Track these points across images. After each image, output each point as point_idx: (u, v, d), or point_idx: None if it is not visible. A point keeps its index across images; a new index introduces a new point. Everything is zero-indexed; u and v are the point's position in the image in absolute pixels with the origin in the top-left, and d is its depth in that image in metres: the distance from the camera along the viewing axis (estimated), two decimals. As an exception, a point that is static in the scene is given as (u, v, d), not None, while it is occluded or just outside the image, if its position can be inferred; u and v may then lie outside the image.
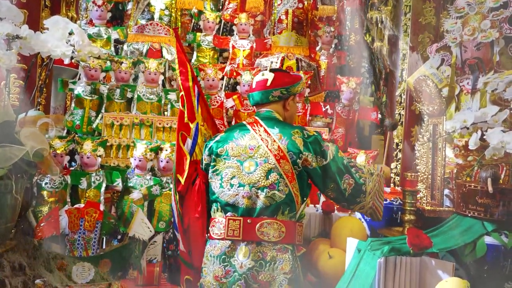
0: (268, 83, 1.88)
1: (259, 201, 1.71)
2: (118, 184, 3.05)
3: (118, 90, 3.49)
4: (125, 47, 3.98)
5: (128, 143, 3.26)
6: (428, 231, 1.56)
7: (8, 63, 1.93)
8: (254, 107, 1.97)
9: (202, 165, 1.92)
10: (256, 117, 1.89)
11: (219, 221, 1.74)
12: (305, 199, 1.79)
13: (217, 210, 1.78)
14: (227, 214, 1.74)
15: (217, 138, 1.89)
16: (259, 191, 1.71)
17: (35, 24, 2.93)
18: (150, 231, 2.69)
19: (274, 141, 1.75)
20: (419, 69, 2.77)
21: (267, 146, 1.75)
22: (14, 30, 1.96)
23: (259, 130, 1.81)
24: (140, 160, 3.00)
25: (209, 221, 1.83)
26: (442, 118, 2.48)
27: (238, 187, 1.74)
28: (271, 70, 1.96)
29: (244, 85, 3.64)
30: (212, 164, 1.83)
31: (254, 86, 1.94)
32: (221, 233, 1.73)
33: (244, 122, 1.91)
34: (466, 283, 1.14)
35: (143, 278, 2.66)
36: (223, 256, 1.71)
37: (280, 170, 1.72)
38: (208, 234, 1.81)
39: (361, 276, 1.39)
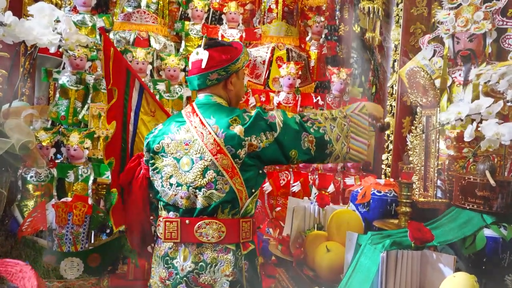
0: (203, 64, 1.65)
1: (198, 202, 1.58)
2: (107, 177, 2.99)
3: (104, 80, 3.40)
4: (111, 35, 3.86)
5: (116, 135, 3.18)
6: (427, 225, 1.55)
7: (-9, 51, 1.84)
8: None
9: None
10: (194, 105, 1.70)
11: (161, 221, 1.66)
12: (253, 191, 1.63)
13: (161, 209, 1.69)
14: (169, 214, 1.64)
15: (155, 132, 1.71)
16: (197, 190, 1.58)
17: (17, 10, 2.81)
18: (141, 224, 2.63)
19: (210, 133, 1.57)
20: (412, 60, 2.75)
21: (202, 140, 1.58)
22: (-3, 17, 1.87)
23: (194, 122, 1.62)
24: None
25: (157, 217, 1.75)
26: (435, 110, 2.48)
27: (176, 187, 1.61)
28: (207, 46, 1.71)
29: (234, 76, 3.59)
30: (151, 162, 1.69)
31: (190, 68, 1.73)
32: (161, 234, 1.65)
33: (182, 112, 1.73)
34: (473, 278, 1.14)
35: (133, 272, 2.62)
36: (166, 258, 1.63)
37: (218, 166, 1.56)
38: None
39: (362, 271, 1.38)
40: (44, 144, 2.89)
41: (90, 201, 2.76)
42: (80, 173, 2.96)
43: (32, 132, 2.27)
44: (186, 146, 1.60)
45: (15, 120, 2.14)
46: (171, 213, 1.64)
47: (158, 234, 1.67)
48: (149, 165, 1.69)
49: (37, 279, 0.76)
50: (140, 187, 1.74)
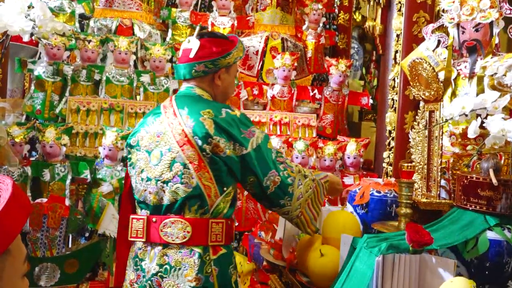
0: (192, 53, 1.64)
1: (165, 197, 1.56)
2: (86, 176, 2.99)
3: (84, 71, 3.40)
4: (91, 23, 3.86)
5: (96, 131, 3.19)
6: (427, 226, 1.57)
7: (-42, 39, 1.83)
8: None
9: None
10: (173, 96, 1.71)
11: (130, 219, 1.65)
12: (225, 189, 1.59)
13: (136, 207, 1.69)
14: (141, 212, 1.64)
15: (136, 126, 1.75)
16: (165, 185, 1.56)
17: (-13, -5, 2.80)
18: (122, 227, 2.64)
19: (179, 123, 1.56)
20: (414, 51, 2.77)
21: (171, 131, 1.57)
22: (-36, 2, 1.86)
23: (168, 112, 1.62)
24: (110, 149, 2.94)
25: None
26: (439, 104, 2.49)
27: (146, 181, 1.60)
28: (200, 35, 1.70)
29: (224, 67, 3.60)
30: (128, 156, 1.70)
31: (180, 55, 1.73)
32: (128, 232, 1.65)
33: (162, 104, 1.72)
34: (472, 283, 1.15)
35: (114, 279, 2.62)
36: (136, 259, 1.62)
37: (184, 158, 1.54)
38: None
39: (356, 276, 1.39)
40: (17, 140, 2.88)
41: (67, 202, 2.76)
42: (56, 171, 2.96)
43: (4, 128, 2.27)
44: (158, 138, 1.60)
45: (-15, 114, 2.13)
46: (143, 211, 1.64)
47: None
48: (128, 160, 1.71)
49: (13, 189, 0.77)
50: (127, 193, 1.75)
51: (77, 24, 3.87)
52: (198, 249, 1.56)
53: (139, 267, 1.60)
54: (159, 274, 1.56)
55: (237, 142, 1.57)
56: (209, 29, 4.04)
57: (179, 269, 1.54)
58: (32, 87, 3.36)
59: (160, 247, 1.57)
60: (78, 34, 3.52)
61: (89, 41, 3.42)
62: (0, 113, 2.27)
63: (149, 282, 1.57)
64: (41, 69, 3.35)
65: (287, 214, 1.67)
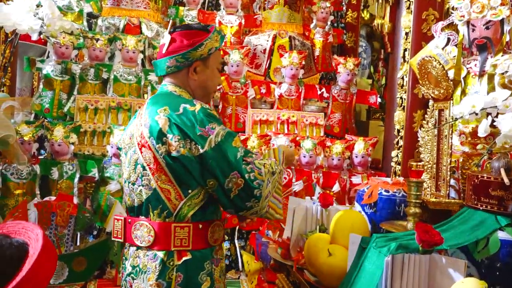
0: (163, 49, 1.59)
1: (135, 199, 1.56)
2: (94, 174, 3.00)
3: (92, 70, 3.41)
4: (99, 21, 3.87)
5: (104, 129, 3.20)
6: (437, 226, 1.55)
7: (-33, 38, 1.84)
8: None
9: None
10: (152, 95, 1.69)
11: None
12: (190, 191, 1.50)
13: None
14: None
15: None
16: (133, 186, 1.55)
17: (-4, -6, 2.82)
18: (130, 226, 2.65)
19: (141, 125, 1.52)
20: (424, 49, 2.74)
21: (135, 133, 1.55)
22: (-27, 1, 1.87)
23: (140, 113, 1.60)
24: (117, 148, 2.94)
25: None
26: (448, 103, 2.47)
27: (125, 183, 1.62)
28: (173, 29, 1.64)
29: (232, 66, 3.59)
30: (121, 158, 1.72)
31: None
32: None
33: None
34: (484, 284, 1.14)
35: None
36: (123, 257, 1.65)
37: (142, 160, 1.50)
38: None
39: (365, 276, 1.38)
40: (26, 138, 2.90)
41: (75, 201, 2.78)
42: (65, 170, 2.97)
43: (13, 126, 2.28)
44: (129, 140, 1.60)
45: (-6, 112, 2.15)
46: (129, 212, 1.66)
47: None
48: None
49: (41, 227, 0.78)
50: None
51: (85, 23, 3.88)
52: (161, 254, 1.51)
53: (124, 264, 1.62)
54: (131, 275, 1.56)
55: (193, 141, 1.46)
56: (216, 27, 4.03)
57: (145, 272, 1.52)
58: (41, 86, 3.37)
59: (134, 248, 1.57)
60: (86, 33, 3.53)
61: (97, 40, 3.43)
62: (9, 111, 2.28)
63: (124, 281, 1.59)
64: (49, 68, 3.36)
65: (255, 214, 1.55)
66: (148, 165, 1.50)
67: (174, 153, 1.46)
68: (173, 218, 1.51)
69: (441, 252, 1.48)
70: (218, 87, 1.75)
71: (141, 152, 1.51)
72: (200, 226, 1.53)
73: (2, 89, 2.81)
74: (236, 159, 1.48)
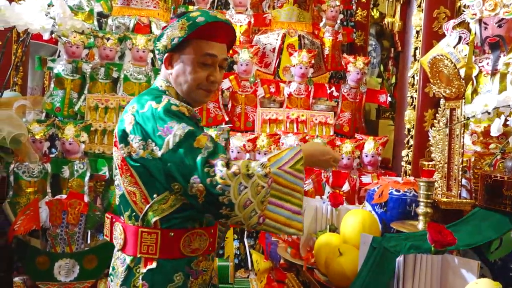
0: None
1: (116, 198, 1.48)
2: (104, 172, 3.01)
3: (102, 69, 3.42)
4: (109, 21, 3.88)
5: (114, 128, 3.19)
6: (449, 226, 1.54)
7: (-20, 37, 1.86)
8: None
9: None
10: None
11: None
12: (155, 196, 1.38)
13: None
14: None
15: None
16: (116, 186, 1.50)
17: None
18: (140, 224, 2.66)
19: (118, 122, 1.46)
20: (435, 47, 2.72)
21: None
22: (-14, 1, 1.88)
23: None
24: None
25: None
26: (460, 102, 2.44)
27: None
28: (171, 18, 1.56)
29: (241, 64, 3.59)
30: None
31: None
32: None
33: None
34: (498, 285, 1.12)
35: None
36: None
37: (115, 161, 1.45)
38: None
39: (377, 275, 1.37)
40: (37, 137, 2.92)
41: (86, 199, 2.79)
42: (75, 168, 2.99)
43: (25, 125, 2.30)
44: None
45: (7, 111, 2.16)
46: None
47: None
48: None
49: None
50: None
51: (95, 22, 3.90)
52: (128, 259, 1.42)
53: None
54: (110, 276, 1.51)
55: (153, 141, 1.35)
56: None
57: (116, 276, 1.46)
58: (52, 85, 3.39)
59: (116, 249, 1.50)
60: (96, 32, 3.55)
61: (108, 39, 3.44)
62: (21, 110, 2.30)
63: (108, 280, 1.55)
64: (60, 67, 3.38)
65: (242, 224, 1.33)
66: (118, 165, 1.43)
67: (134, 155, 1.37)
68: (140, 223, 1.41)
69: (454, 252, 1.47)
70: (214, 84, 1.49)
71: (114, 153, 1.46)
72: (172, 233, 1.40)
73: (14, 88, 2.83)
74: (195, 161, 1.29)
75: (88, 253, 2.71)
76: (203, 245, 1.45)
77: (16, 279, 2.63)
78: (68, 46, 3.36)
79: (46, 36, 2.11)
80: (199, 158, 1.30)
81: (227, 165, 1.30)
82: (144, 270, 1.40)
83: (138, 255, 1.41)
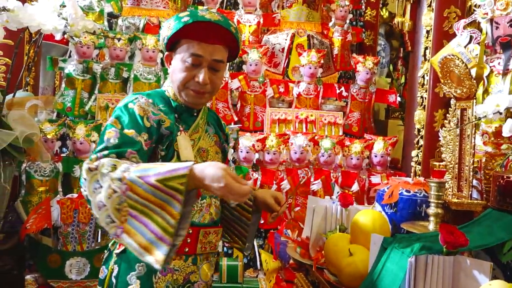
0: None
1: None
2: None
3: (112, 69, 3.44)
4: (119, 21, 3.91)
5: (124, 128, 3.22)
6: (461, 227, 1.53)
7: (-6, 38, 1.88)
8: None
9: None
10: None
11: None
12: None
13: None
14: None
15: None
16: None
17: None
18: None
19: None
20: (445, 47, 2.70)
21: None
22: (0, 2, 1.90)
23: None
24: None
25: None
26: (471, 102, 2.42)
27: None
28: None
29: (250, 65, 3.59)
30: None
31: None
32: None
33: None
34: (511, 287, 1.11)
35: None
36: None
37: None
38: None
39: (388, 277, 1.36)
40: (49, 136, 2.95)
41: (97, 198, 2.80)
42: (86, 168, 3.00)
43: (37, 124, 2.32)
44: None
45: (19, 111, 2.18)
46: None
47: None
48: None
49: None
50: None
51: (105, 23, 3.92)
52: (110, 243, 1.47)
53: None
54: None
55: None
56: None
57: None
58: (63, 85, 3.42)
59: None
60: (107, 32, 3.56)
61: (118, 40, 3.46)
62: (33, 110, 2.32)
63: None
64: (71, 67, 3.40)
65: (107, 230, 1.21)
66: None
67: None
68: None
69: (465, 253, 1.46)
70: (199, 85, 1.45)
71: None
72: None
73: (26, 88, 2.85)
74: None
75: (98, 252, 2.72)
76: None
77: (28, 277, 2.65)
78: (79, 47, 3.38)
79: (58, 37, 2.12)
80: (94, 150, 1.31)
81: (98, 160, 1.22)
82: (117, 251, 1.42)
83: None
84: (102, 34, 3.50)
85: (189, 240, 1.45)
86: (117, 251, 1.43)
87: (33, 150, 2.26)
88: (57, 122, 3.04)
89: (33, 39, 2.24)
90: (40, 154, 2.35)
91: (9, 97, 2.19)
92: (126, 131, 1.32)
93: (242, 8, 4.04)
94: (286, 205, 1.63)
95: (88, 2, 3.88)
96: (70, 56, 3.55)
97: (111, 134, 1.31)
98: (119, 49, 3.46)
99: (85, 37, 3.35)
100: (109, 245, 1.49)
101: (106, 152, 1.25)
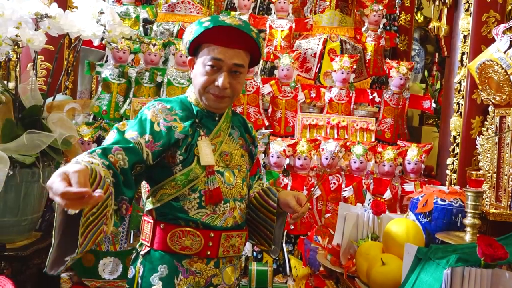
0: None
1: None
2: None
3: (147, 74, 3.50)
4: (154, 27, 3.99)
5: (157, 131, 3.27)
6: (500, 239, 1.47)
7: (38, 44, 1.95)
8: None
9: None
10: None
11: None
12: (150, 188, 1.50)
13: None
14: None
15: None
16: None
17: (62, 2, 2.96)
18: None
19: None
20: (484, 52, 2.62)
21: None
22: (43, 9, 1.97)
23: None
24: None
25: None
26: (511, 109, 2.34)
27: None
28: None
29: (282, 69, 3.59)
30: None
31: None
32: None
33: None
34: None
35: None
36: None
37: None
38: None
39: (422, 288, 1.33)
40: (85, 139, 3.02)
41: (130, 200, 2.85)
42: (120, 170, 3.07)
43: (75, 127, 2.38)
44: None
45: (58, 114, 2.25)
46: None
47: None
48: None
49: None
50: None
51: (141, 28, 4.01)
52: (138, 244, 1.55)
53: None
54: None
55: None
56: (267, 32, 4.04)
57: None
58: (99, 89, 3.51)
59: None
60: (142, 38, 3.64)
61: (154, 45, 3.52)
62: (71, 113, 2.38)
63: None
64: (107, 71, 3.49)
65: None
66: None
67: None
68: (145, 213, 1.53)
69: (504, 267, 1.40)
70: (215, 89, 1.46)
71: None
72: (162, 226, 1.46)
73: (65, 91, 2.94)
74: None
75: (131, 253, 2.77)
76: (196, 246, 1.45)
77: (63, 275, 2.73)
78: (115, 52, 3.47)
79: (96, 42, 2.18)
80: None
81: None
82: (142, 252, 1.49)
83: (141, 241, 1.53)
84: (137, 39, 3.57)
85: (210, 244, 1.46)
86: (142, 252, 1.49)
87: (71, 151, 2.32)
88: (94, 125, 3.11)
89: (72, 45, 2.31)
90: (77, 156, 2.41)
91: (49, 100, 2.26)
92: (128, 132, 1.39)
93: (274, 13, 4.05)
94: (308, 206, 1.61)
95: (124, 9, 3.98)
96: (106, 61, 3.64)
97: (111, 134, 1.40)
98: (154, 54, 3.53)
99: (121, 43, 3.43)
100: (137, 246, 1.55)
101: (95, 148, 1.32)
